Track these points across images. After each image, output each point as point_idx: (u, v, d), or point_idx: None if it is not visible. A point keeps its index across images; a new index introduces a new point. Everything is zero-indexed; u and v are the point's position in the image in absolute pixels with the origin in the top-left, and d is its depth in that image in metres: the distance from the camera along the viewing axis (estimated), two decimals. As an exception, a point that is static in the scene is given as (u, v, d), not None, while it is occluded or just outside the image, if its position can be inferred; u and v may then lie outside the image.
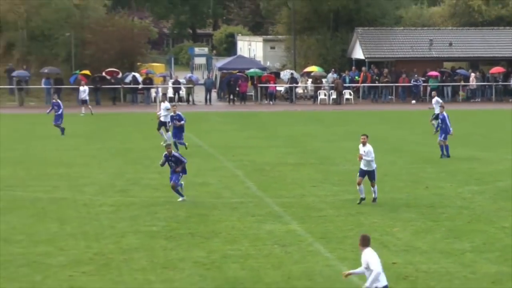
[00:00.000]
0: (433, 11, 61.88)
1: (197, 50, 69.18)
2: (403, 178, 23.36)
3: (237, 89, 49.39)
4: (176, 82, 49.86)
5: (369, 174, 19.52)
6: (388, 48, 51.91)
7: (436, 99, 31.85)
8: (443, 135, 26.20)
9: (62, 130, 32.22)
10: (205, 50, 70.35)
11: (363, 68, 48.78)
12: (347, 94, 48.29)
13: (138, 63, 54.28)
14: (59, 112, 32.98)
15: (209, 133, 35.30)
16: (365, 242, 11.30)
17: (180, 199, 20.10)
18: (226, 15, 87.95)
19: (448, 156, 25.92)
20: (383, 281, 11.26)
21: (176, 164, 19.63)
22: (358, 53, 50.68)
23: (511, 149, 28.39)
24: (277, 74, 52.09)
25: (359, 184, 19.25)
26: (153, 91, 49.23)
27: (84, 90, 41.21)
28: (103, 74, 48.64)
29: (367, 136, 19.74)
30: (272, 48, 64.20)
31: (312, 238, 16.99)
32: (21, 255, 16.14)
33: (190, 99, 48.32)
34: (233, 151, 29.55)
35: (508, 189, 21.12)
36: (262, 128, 37.96)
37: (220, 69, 53.24)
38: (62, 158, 29.25)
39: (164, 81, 51.20)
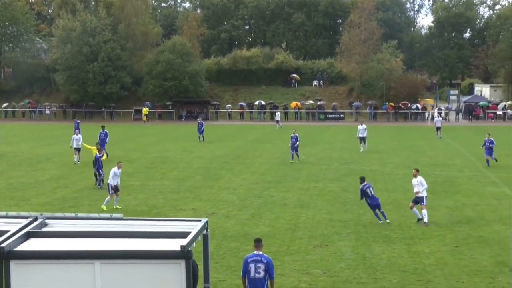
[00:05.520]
0: None
1: (451, 92, 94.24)
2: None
3: (474, 113, 79.36)
4: (439, 109, 79.33)
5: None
6: None
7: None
8: None
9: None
10: (456, 92, 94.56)
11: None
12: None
13: (419, 99, 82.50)
14: None
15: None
16: None
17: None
18: (468, 73, 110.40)
19: None
20: None
21: None
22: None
23: None
24: (496, 105, 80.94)
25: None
26: (426, 114, 78.80)
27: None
28: (400, 104, 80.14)
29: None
30: (495, 90, 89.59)
31: None
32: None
33: (446, 118, 78.25)
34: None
35: None
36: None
37: (464, 102, 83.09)
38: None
39: (432, 108, 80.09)
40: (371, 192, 22.92)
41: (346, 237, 21.15)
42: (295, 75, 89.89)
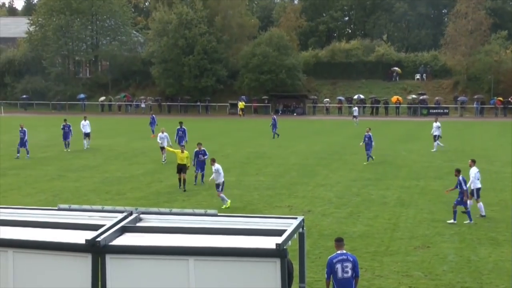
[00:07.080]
0: None
1: None
2: None
3: None
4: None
5: None
6: None
7: None
8: None
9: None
10: None
11: None
12: None
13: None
14: None
15: None
16: None
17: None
18: None
19: None
20: None
21: None
22: None
23: None
24: None
25: None
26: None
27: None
28: (509, 99, 75.34)
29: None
30: None
31: None
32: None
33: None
34: None
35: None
36: None
37: None
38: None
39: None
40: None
41: (449, 239, 20.27)
42: (396, 68, 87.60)
